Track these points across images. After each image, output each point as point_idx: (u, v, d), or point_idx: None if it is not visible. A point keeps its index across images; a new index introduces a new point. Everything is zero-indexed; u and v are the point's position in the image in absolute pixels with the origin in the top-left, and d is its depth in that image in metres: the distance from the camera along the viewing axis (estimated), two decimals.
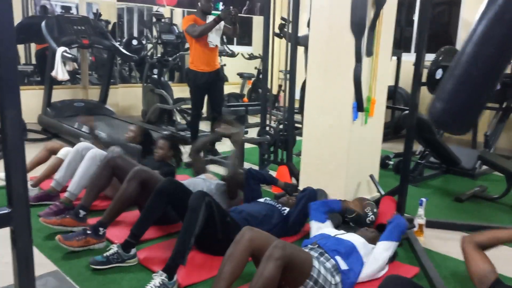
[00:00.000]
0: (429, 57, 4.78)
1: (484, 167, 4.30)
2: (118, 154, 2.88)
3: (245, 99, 7.16)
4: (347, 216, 2.79)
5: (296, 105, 3.98)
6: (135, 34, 8.59)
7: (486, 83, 1.88)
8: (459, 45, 5.96)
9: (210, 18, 4.40)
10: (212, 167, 4.18)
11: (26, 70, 6.82)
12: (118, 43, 6.84)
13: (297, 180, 3.58)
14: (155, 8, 7.38)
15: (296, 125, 4.40)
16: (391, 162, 4.50)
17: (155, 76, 6.14)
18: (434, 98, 2.01)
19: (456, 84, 1.87)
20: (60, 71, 4.65)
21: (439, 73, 4.92)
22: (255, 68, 7.35)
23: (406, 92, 5.99)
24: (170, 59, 6.05)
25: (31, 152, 3.42)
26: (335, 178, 3.26)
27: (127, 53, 5.78)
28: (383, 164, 4.38)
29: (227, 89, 7.08)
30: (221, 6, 7.49)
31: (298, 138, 4.16)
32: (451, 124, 2.00)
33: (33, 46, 7.19)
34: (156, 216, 2.39)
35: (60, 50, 4.64)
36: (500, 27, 1.74)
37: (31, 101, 5.56)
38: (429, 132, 4.03)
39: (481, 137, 4.91)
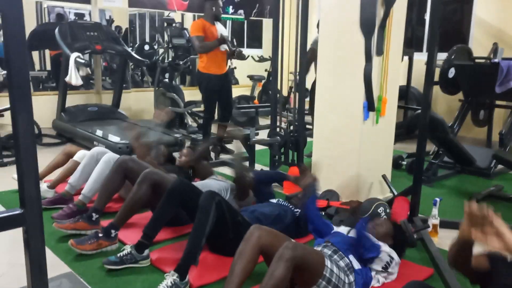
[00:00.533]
0: (441, 56, 4.73)
1: (500, 166, 4.24)
2: (130, 157, 2.90)
3: (256, 101, 7.17)
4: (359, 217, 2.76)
5: (307, 106, 3.97)
6: (147, 39, 8.67)
7: None
8: (472, 43, 5.90)
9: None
10: (222, 169, 4.20)
11: (40, 76, 6.92)
12: (131, 48, 6.92)
13: None
14: (166, 13, 7.44)
15: (307, 126, 4.39)
16: (404, 162, 4.46)
17: (167, 80, 6.18)
18: None
19: None
20: (73, 77, 4.71)
21: (451, 72, 4.87)
22: (265, 70, 7.36)
23: (419, 92, 5.93)
24: (181, 63, 6.09)
25: (46, 156, 3.49)
26: (346, 179, 3.24)
27: (139, 58, 5.83)
28: (396, 165, 4.34)
29: (238, 91, 7.12)
30: (231, 9, 7.52)
31: (309, 139, 4.15)
32: None
33: (47, 53, 7.31)
34: (168, 217, 2.41)
35: (73, 56, 4.70)
36: None
37: (46, 106, 5.65)
38: (442, 131, 3.98)
39: (496, 136, 4.84)
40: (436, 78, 4.17)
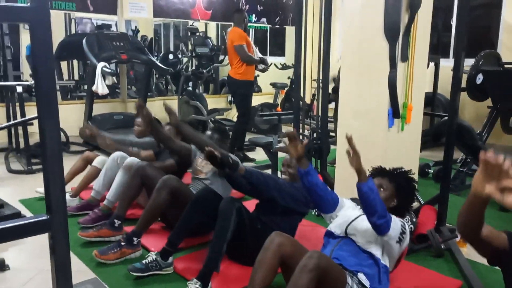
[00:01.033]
0: (468, 62, 4.63)
1: None
2: (147, 163, 2.91)
3: (278, 108, 7.16)
4: None
5: (330, 113, 3.94)
6: (171, 48, 8.81)
7: None
8: (500, 48, 5.75)
9: None
10: None
11: (68, 85, 7.10)
12: (155, 57, 7.04)
13: (332, 189, 3.52)
14: (190, 22, 7.54)
15: (330, 133, 4.35)
16: (431, 171, 4.37)
17: (190, 88, 6.25)
18: None
19: None
20: (100, 86, 4.82)
21: (479, 78, 4.75)
22: (288, 77, 7.35)
23: (445, 98, 5.81)
24: (204, 71, 6.15)
25: (73, 163, 3.56)
26: None
27: (164, 67, 5.92)
28: (423, 173, 4.25)
29: (261, 99, 7.14)
30: (254, 18, 7.57)
31: (332, 146, 4.11)
32: None
33: (75, 63, 7.50)
34: (193, 225, 2.41)
35: (100, 66, 4.81)
36: None
37: (73, 114, 5.79)
38: (470, 138, 3.88)
39: None
40: (463, 84, 4.08)
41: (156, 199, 2.54)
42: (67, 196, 3.30)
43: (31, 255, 2.62)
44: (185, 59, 7.68)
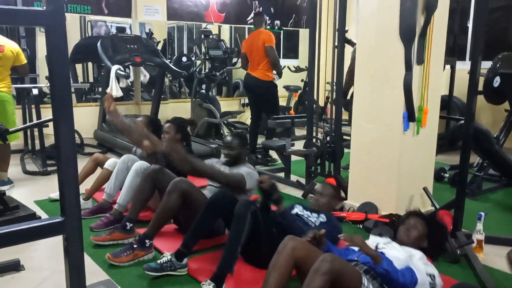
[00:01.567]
0: (486, 65, 4.55)
1: None
2: (159, 167, 2.89)
3: (292, 111, 7.14)
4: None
5: (344, 116, 3.91)
6: (185, 51, 8.85)
7: None
8: None
9: None
10: None
11: (83, 88, 7.18)
12: (169, 60, 7.08)
13: (346, 193, 3.50)
14: (203, 25, 7.58)
15: (344, 137, 4.32)
16: (447, 175, 4.30)
17: (203, 91, 6.27)
18: None
19: None
20: (114, 88, 4.85)
21: (497, 81, 4.66)
22: (302, 80, 7.33)
23: (462, 102, 5.73)
24: (217, 74, 6.17)
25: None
26: (385, 191, 3.15)
27: (177, 69, 5.95)
28: (438, 177, 4.19)
29: None
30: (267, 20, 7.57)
31: (346, 150, 4.08)
32: None
33: (90, 65, 7.58)
34: (208, 228, 2.42)
35: (114, 68, 4.85)
36: None
37: (88, 117, 5.85)
38: (487, 142, 3.81)
39: None
40: (480, 87, 4.01)
41: (167, 202, 2.55)
42: (80, 199, 3.32)
43: (45, 256, 2.65)
44: (198, 62, 7.72)
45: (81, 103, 6.92)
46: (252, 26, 7.77)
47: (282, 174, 4.31)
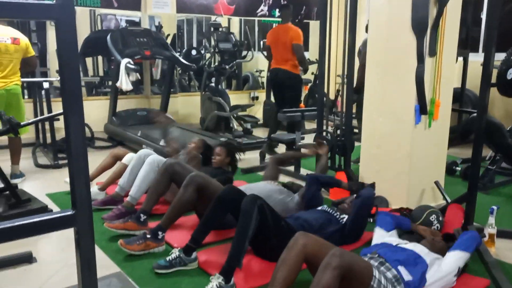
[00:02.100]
0: (499, 57, 4.48)
1: None
2: (176, 160, 2.95)
3: (302, 104, 7.10)
4: None
5: (354, 109, 3.88)
6: (194, 44, 8.84)
7: None
8: None
9: None
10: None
11: (93, 82, 7.22)
12: (178, 53, 7.07)
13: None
14: (213, 18, 7.56)
15: (354, 130, 4.29)
16: (458, 168, 4.26)
17: (213, 84, 6.26)
18: None
19: None
20: (124, 82, 4.87)
21: (510, 73, 4.59)
22: (312, 73, 7.28)
23: (474, 94, 5.65)
24: (227, 67, 6.15)
25: (98, 159, 3.62)
26: (396, 185, 3.13)
27: (187, 63, 5.95)
28: (450, 171, 4.14)
29: None
30: (277, 12, 7.53)
31: (356, 143, 4.05)
32: None
33: (100, 59, 7.61)
34: (216, 223, 2.43)
35: (124, 62, 4.86)
36: None
37: (98, 110, 5.88)
38: (500, 136, 3.76)
39: None
40: (493, 79, 3.95)
41: (183, 196, 2.57)
42: (96, 188, 3.37)
43: (57, 248, 2.68)
44: (208, 55, 7.70)
45: (91, 96, 6.96)
46: (263, 18, 7.76)
47: (292, 168, 4.30)
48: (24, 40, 3.87)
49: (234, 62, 6.45)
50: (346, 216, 2.72)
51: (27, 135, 4.74)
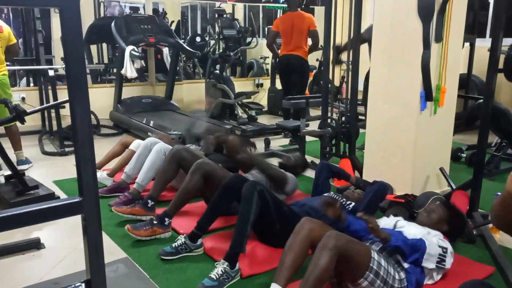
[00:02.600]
0: (507, 42, 4.42)
1: None
2: (183, 147, 2.96)
3: (307, 91, 7.07)
4: (414, 211, 2.66)
5: (360, 96, 3.86)
6: (199, 31, 8.79)
7: None
8: None
9: None
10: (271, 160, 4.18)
11: (98, 69, 7.22)
12: (182, 40, 7.04)
13: (360, 174, 3.48)
14: (217, 4, 7.50)
15: (359, 117, 4.28)
16: (464, 155, 4.25)
17: (217, 71, 6.25)
18: None
19: None
20: (129, 69, 4.87)
21: None
22: (317, 60, 7.23)
23: (481, 80, 5.60)
24: (231, 54, 6.12)
25: (104, 146, 3.64)
26: (401, 171, 3.13)
27: (191, 49, 5.92)
28: (455, 157, 4.13)
29: None
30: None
31: (361, 130, 4.04)
32: None
33: (105, 46, 7.59)
34: (222, 210, 2.46)
35: (128, 49, 4.85)
36: None
37: (103, 98, 5.90)
38: (506, 122, 3.74)
39: None
40: (500, 65, 3.91)
41: (189, 182, 2.60)
42: (105, 174, 3.39)
43: (65, 234, 2.71)
44: (212, 42, 7.66)
45: (97, 84, 6.96)
46: (268, 4, 7.69)
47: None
48: (6, 28, 3.83)
49: (239, 49, 6.41)
50: (353, 203, 2.72)
51: (34, 122, 4.76)
